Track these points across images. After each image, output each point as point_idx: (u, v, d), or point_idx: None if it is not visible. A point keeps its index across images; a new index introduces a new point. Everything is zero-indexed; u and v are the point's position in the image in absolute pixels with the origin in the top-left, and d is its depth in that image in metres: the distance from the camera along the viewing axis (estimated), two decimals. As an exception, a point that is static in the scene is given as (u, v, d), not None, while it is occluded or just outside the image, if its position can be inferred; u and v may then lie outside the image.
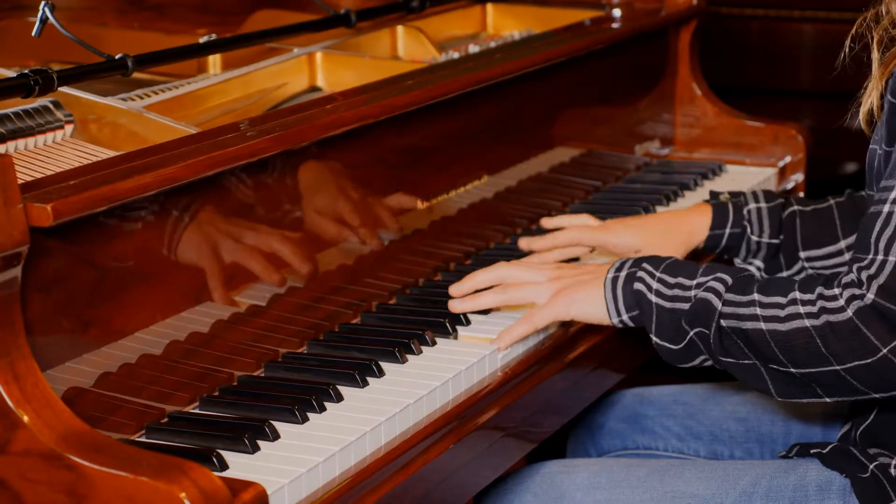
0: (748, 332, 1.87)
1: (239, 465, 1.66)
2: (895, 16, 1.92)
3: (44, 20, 2.07)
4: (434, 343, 2.03)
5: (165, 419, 1.80)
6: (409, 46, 2.72)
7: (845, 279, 1.83)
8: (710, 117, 3.07)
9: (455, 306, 2.09)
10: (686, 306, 1.93)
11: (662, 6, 2.99)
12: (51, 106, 2.03)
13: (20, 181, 1.61)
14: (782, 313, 1.85)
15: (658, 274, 1.98)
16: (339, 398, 1.84)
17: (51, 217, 1.59)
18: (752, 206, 2.33)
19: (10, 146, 1.95)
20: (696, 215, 2.35)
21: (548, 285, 2.06)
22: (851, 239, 2.26)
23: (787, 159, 2.98)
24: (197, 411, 1.84)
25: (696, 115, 3.08)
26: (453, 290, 2.10)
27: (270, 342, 1.98)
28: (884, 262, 1.79)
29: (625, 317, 2.00)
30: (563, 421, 2.14)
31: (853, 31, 1.98)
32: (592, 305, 2.02)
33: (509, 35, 2.91)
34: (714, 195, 2.41)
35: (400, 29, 2.72)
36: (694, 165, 2.97)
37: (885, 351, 1.78)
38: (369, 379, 1.91)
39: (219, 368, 1.89)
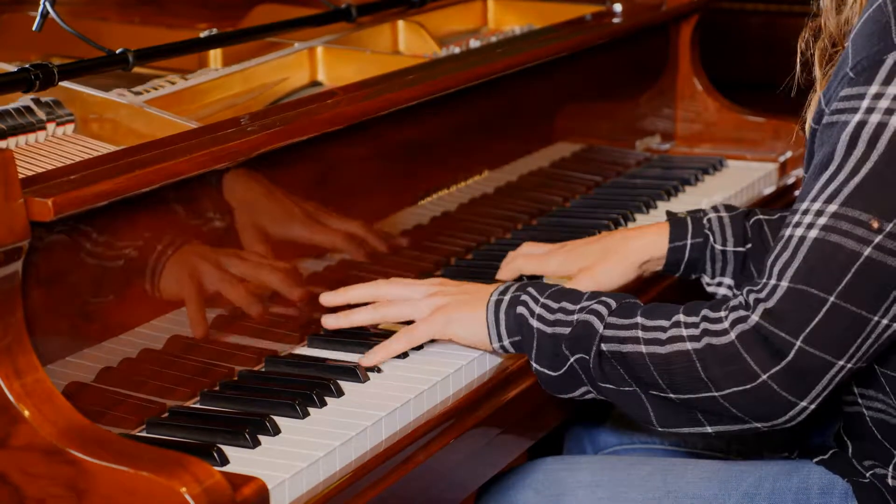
0: (627, 355, 1.80)
1: (239, 459, 1.67)
2: (832, 31, 1.92)
3: (45, 15, 2.07)
4: (434, 340, 2.03)
5: (166, 414, 1.80)
6: (409, 41, 2.71)
7: (733, 302, 1.77)
8: (711, 112, 3.07)
9: (328, 322, 2.01)
10: (567, 330, 1.86)
11: (663, 1, 2.99)
12: (51, 102, 2.02)
13: (21, 176, 1.61)
14: (664, 336, 1.78)
15: (542, 300, 1.90)
16: (340, 393, 1.84)
17: (52, 212, 1.59)
18: (713, 215, 2.22)
19: (11, 140, 1.95)
20: (650, 232, 2.22)
21: (427, 302, 1.96)
22: None
23: (788, 154, 2.98)
24: (197, 406, 1.84)
25: (696, 110, 3.08)
26: (325, 298, 2.02)
27: (271, 337, 1.98)
28: (775, 287, 1.73)
29: (506, 342, 1.92)
30: (565, 415, 2.14)
31: (799, 45, 1.97)
32: (472, 327, 1.94)
33: (510, 30, 2.91)
34: (671, 214, 2.26)
35: (401, 24, 2.72)
36: (695, 160, 2.96)
37: (764, 377, 1.72)
38: (370, 374, 1.91)
39: (219, 363, 1.89)
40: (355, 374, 1.89)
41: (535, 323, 1.89)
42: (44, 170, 1.77)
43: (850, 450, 1.96)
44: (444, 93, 2.26)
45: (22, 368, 1.56)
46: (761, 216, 2.23)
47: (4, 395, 1.54)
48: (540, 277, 2.25)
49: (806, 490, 1.94)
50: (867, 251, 1.70)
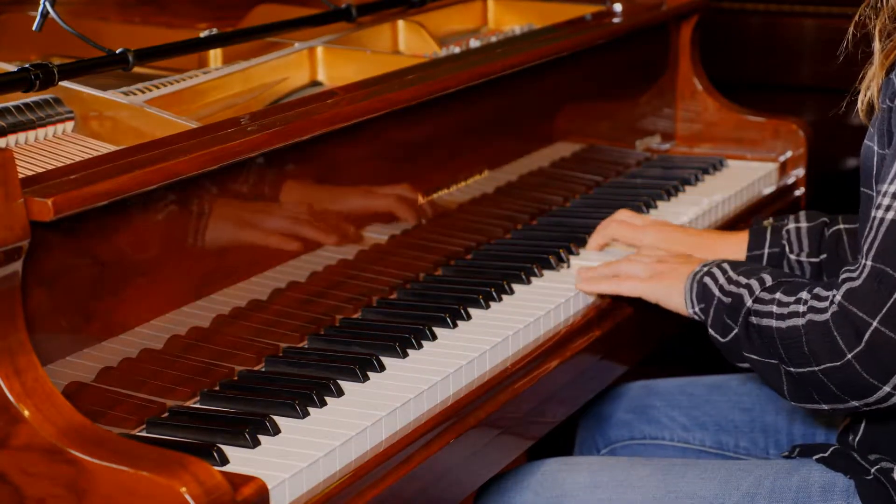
0: (763, 329, 1.89)
1: (239, 459, 1.67)
2: (895, 5, 1.91)
3: (45, 14, 2.07)
4: (435, 338, 2.03)
5: (166, 414, 1.80)
6: (410, 41, 2.71)
7: (840, 279, 1.83)
8: (711, 112, 3.07)
9: (581, 285, 2.20)
10: (730, 300, 1.96)
11: (663, 1, 2.99)
12: (51, 100, 2.02)
13: (21, 175, 1.61)
14: (786, 311, 1.87)
15: (730, 272, 2.01)
16: (340, 393, 1.84)
17: (51, 212, 1.59)
18: (792, 226, 2.29)
19: (11, 140, 1.95)
20: (733, 237, 2.33)
21: (649, 266, 2.15)
22: None
23: (788, 154, 2.98)
24: (197, 406, 1.84)
25: (696, 109, 3.08)
26: (582, 284, 2.20)
27: (271, 336, 1.98)
28: (863, 266, 1.79)
29: (696, 308, 2.05)
30: (565, 415, 2.14)
31: (854, 19, 1.96)
32: (674, 295, 2.09)
33: (510, 30, 2.91)
34: (757, 221, 2.35)
35: (401, 23, 2.72)
36: (695, 160, 2.96)
37: (849, 356, 1.78)
38: (370, 373, 1.91)
39: (219, 363, 1.89)
40: (355, 374, 1.89)
41: (716, 292, 2.00)
42: (44, 169, 1.77)
43: (857, 440, 1.96)
44: (444, 93, 2.26)
45: (22, 368, 1.56)
46: (842, 226, 2.26)
47: (4, 394, 1.54)
48: (629, 248, 2.39)
49: (807, 489, 1.94)
50: None
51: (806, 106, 3.54)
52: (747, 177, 2.86)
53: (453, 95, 2.30)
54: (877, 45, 1.92)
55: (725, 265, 2.04)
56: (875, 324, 1.75)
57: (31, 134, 1.98)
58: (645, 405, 2.35)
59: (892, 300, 1.75)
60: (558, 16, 2.91)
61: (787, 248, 2.27)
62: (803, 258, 2.27)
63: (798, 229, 2.28)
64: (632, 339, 2.25)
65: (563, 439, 2.46)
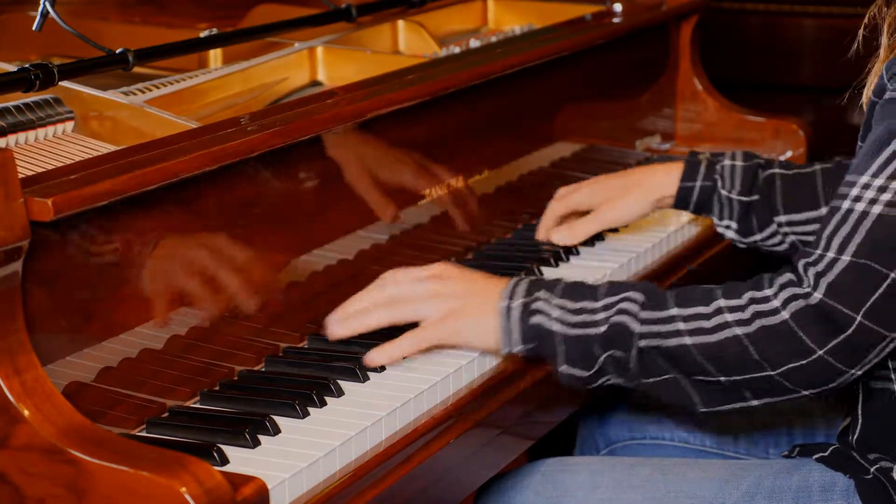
0: (672, 349, 1.81)
1: (239, 459, 1.66)
2: None
3: (44, 14, 2.07)
4: (435, 338, 2.03)
5: (166, 414, 1.80)
6: (410, 41, 2.71)
7: (781, 279, 1.79)
8: (711, 112, 3.07)
9: (335, 332, 1.94)
10: (596, 331, 1.84)
11: (663, 1, 2.99)
12: (51, 100, 2.02)
13: (21, 175, 1.61)
14: (708, 324, 1.79)
15: (556, 300, 1.87)
16: (340, 393, 1.84)
17: (52, 212, 1.59)
18: (728, 162, 2.31)
19: (11, 140, 1.95)
20: (665, 169, 2.35)
21: (434, 303, 1.92)
22: None
23: (788, 154, 2.98)
24: (197, 406, 1.84)
25: (696, 110, 3.08)
26: (334, 332, 1.95)
27: (271, 336, 1.98)
28: (835, 261, 1.75)
29: (518, 348, 1.89)
30: (565, 414, 2.14)
31: (866, 18, 1.96)
32: (483, 335, 1.91)
33: (510, 30, 2.91)
34: (693, 153, 2.38)
35: (401, 23, 2.72)
36: (695, 160, 2.96)
37: (820, 352, 1.75)
38: (370, 373, 1.91)
39: (219, 363, 1.89)
40: (355, 373, 1.89)
41: (556, 328, 1.86)
42: (44, 169, 1.77)
43: (856, 439, 1.95)
44: (444, 93, 2.26)
45: (22, 368, 1.56)
46: (777, 170, 2.29)
47: (4, 394, 1.54)
48: (572, 215, 2.41)
49: (807, 488, 1.94)
50: None
51: (806, 106, 3.54)
52: (747, 177, 2.85)
53: (453, 95, 2.30)
54: (884, 40, 1.92)
55: (541, 292, 1.88)
56: (860, 318, 1.73)
57: (31, 134, 1.98)
58: (646, 405, 2.35)
59: (877, 294, 1.73)
60: (558, 16, 2.91)
61: (718, 183, 2.30)
62: (734, 195, 2.29)
63: (733, 167, 2.30)
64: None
65: (563, 439, 2.46)
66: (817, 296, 1.75)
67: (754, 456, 2.25)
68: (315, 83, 2.48)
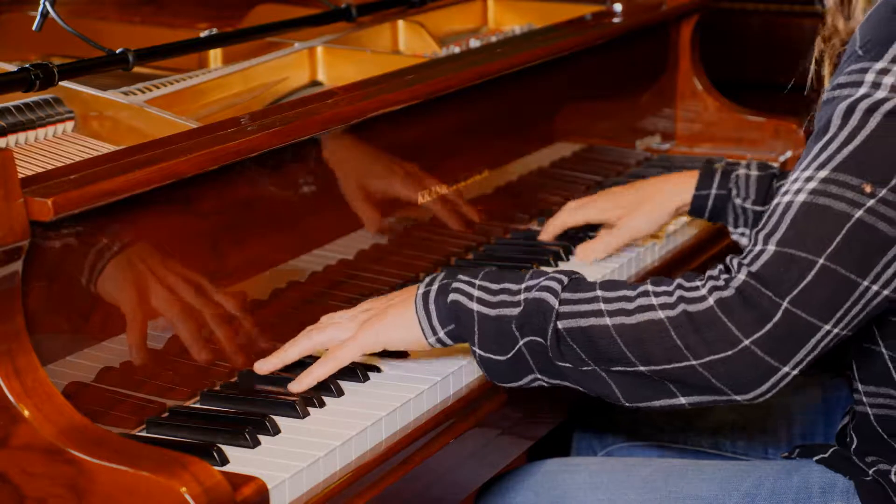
0: (588, 329, 1.73)
1: (239, 459, 1.67)
2: (843, 32, 1.92)
3: (45, 14, 2.07)
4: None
5: (166, 414, 1.80)
6: (409, 41, 2.71)
7: (711, 272, 1.74)
8: (711, 112, 3.07)
9: (261, 368, 1.89)
10: (515, 311, 1.78)
11: (663, 1, 2.99)
12: (51, 100, 2.03)
13: (21, 175, 1.61)
14: (630, 305, 1.72)
15: (478, 282, 1.82)
16: (340, 393, 1.84)
17: (51, 212, 1.59)
18: (742, 171, 2.33)
19: (11, 140, 1.95)
20: (678, 178, 2.38)
21: (354, 321, 1.89)
22: None
23: (788, 154, 2.98)
24: (197, 406, 1.84)
25: (696, 109, 3.08)
26: (260, 367, 1.90)
27: (271, 336, 1.98)
28: (760, 252, 1.69)
29: (441, 333, 1.83)
30: (564, 415, 2.14)
31: (815, 53, 1.97)
32: (403, 328, 1.84)
33: (510, 30, 2.91)
34: (709, 162, 2.40)
35: (401, 23, 2.72)
36: (695, 160, 2.96)
37: (746, 342, 1.66)
38: (370, 374, 1.91)
39: (219, 363, 1.89)
40: (356, 374, 1.89)
41: (475, 306, 1.80)
42: (44, 169, 1.77)
43: (854, 446, 1.95)
44: (444, 93, 2.26)
45: (22, 368, 1.56)
46: None
47: (4, 394, 1.54)
48: (586, 227, 2.44)
49: (807, 489, 1.94)
50: (858, 213, 1.67)
51: (806, 106, 3.53)
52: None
53: (453, 95, 2.30)
54: (827, 72, 1.94)
55: (463, 276, 1.83)
56: (785, 304, 1.66)
57: (31, 134, 1.98)
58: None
59: (806, 281, 1.66)
60: (558, 16, 2.91)
61: (733, 192, 2.32)
62: (748, 205, 2.31)
63: (748, 176, 2.32)
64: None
65: (562, 439, 2.45)
66: (741, 277, 1.68)
67: (753, 457, 2.25)
68: (315, 83, 2.48)
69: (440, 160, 2.33)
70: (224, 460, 1.65)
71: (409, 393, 1.84)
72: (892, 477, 1.88)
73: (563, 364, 1.77)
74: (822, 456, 1.97)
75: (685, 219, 2.56)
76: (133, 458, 1.50)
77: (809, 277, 1.67)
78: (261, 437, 1.71)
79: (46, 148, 1.95)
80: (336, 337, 1.89)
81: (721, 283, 1.70)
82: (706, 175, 2.35)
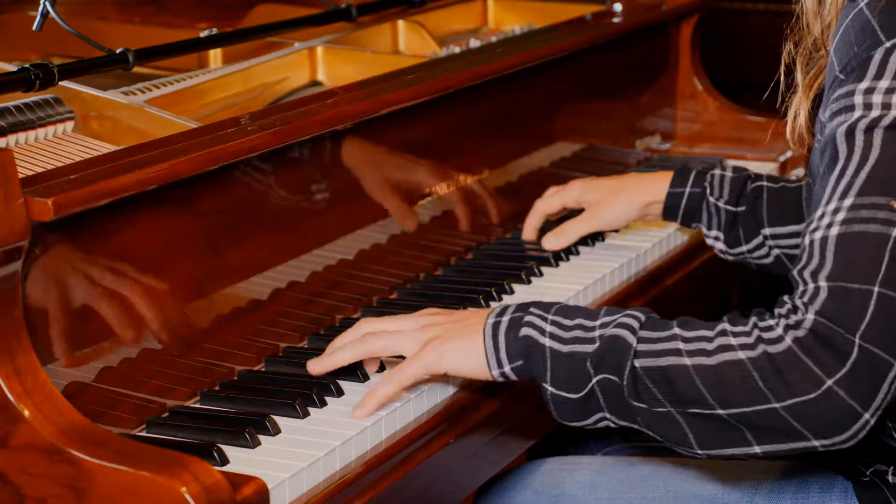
0: (667, 369, 1.66)
1: (239, 459, 1.67)
2: (815, 36, 1.92)
3: (45, 14, 2.07)
4: (435, 338, 2.02)
5: (166, 414, 1.80)
6: (409, 41, 2.71)
7: (780, 309, 1.67)
8: (711, 112, 3.07)
9: (313, 368, 1.87)
10: (590, 348, 1.71)
11: (663, 1, 2.99)
12: (51, 100, 2.03)
13: (21, 175, 1.61)
14: (710, 346, 1.66)
15: (551, 317, 1.76)
16: (340, 393, 1.84)
17: (52, 211, 1.59)
18: (717, 172, 2.33)
19: (11, 140, 1.95)
20: (659, 177, 2.37)
21: (416, 334, 1.82)
22: None
23: (788, 154, 2.98)
24: (197, 406, 1.84)
25: (696, 109, 3.08)
26: (312, 367, 1.87)
27: (271, 336, 1.98)
28: (817, 289, 1.63)
29: (507, 368, 1.77)
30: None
31: (784, 56, 1.97)
32: (468, 356, 1.78)
33: (510, 30, 2.91)
34: (683, 164, 2.42)
35: (401, 23, 2.72)
36: (695, 160, 2.96)
37: (829, 382, 1.59)
38: (370, 374, 1.90)
39: (219, 363, 1.89)
40: (355, 373, 1.89)
41: (547, 341, 1.74)
42: (44, 169, 1.77)
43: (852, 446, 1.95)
44: (444, 93, 2.26)
45: (22, 368, 1.56)
46: (764, 183, 2.30)
47: (4, 394, 1.54)
48: (563, 214, 2.46)
49: (805, 488, 1.94)
50: (895, 232, 1.63)
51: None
52: (747, 177, 2.85)
53: (453, 95, 2.30)
54: (799, 76, 1.93)
55: (534, 309, 1.77)
56: (858, 340, 1.60)
57: (31, 134, 1.98)
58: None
59: (869, 314, 1.60)
60: (558, 16, 2.91)
61: (707, 191, 2.31)
62: (721, 204, 2.29)
63: (722, 176, 2.32)
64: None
65: (563, 439, 2.45)
66: (811, 317, 1.62)
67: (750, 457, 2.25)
68: (315, 83, 2.48)
69: (440, 160, 2.33)
70: (224, 460, 1.65)
71: (409, 392, 1.84)
72: (890, 477, 1.88)
73: (638, 404, 1.70)
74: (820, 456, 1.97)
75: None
76: (133, 458, 1.50)
77: (872, 308, 1.61)
78: (261, 437, 1.71)
79: (46, 148, 1.95)
80: (395, 348, 1.83)
81: (793, 322, 1.63)
82: (680, 174, 2.35)
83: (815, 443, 1.64)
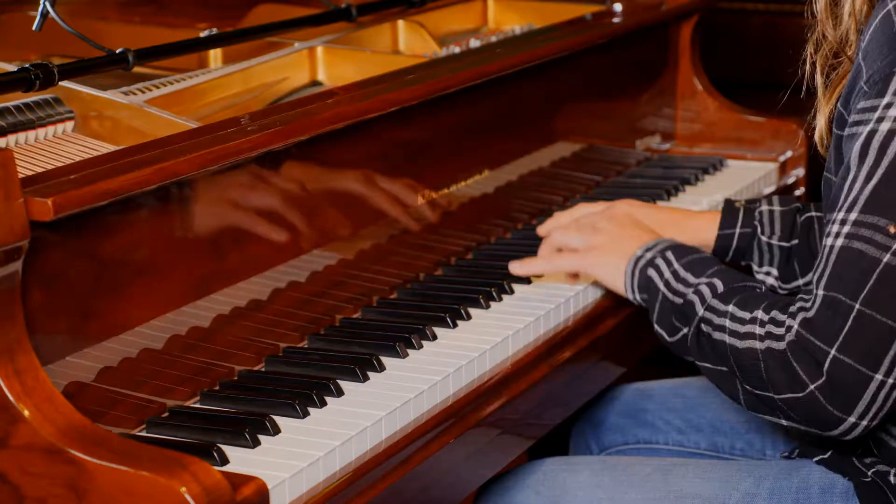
0: (716, 342, 1.85)
1: (239, 459, 1.67)
2: (833, 41, 1.92)
3: (45, 14, 2.07)
4: (435, 338, 2.03)
5: (166, 413, 1.80)
6: (409, 41, 2.71)
7: (792, 307, 1.78)
8: (711, 112, 3.07)
9: (514, 269, 2.21)
10: (680, 301, 1.95)
11: (663, 1, 2.99)
12: (51, 100, 2.02)
13: (21, 175, 1.61)
14: (742, 329, 1.82)
15: (675, 265, 2.00)
16: (340, 393, 1.84)
17: (51, 211, 1.59)
18: (765, 208, 2.28)
19: (11, 140, 1.95)
20: (705, 216, 2.31)
21: (588, 236, 2.15)
22: None
23: (788, 154, 2.98)
24: (197, 406, 1.84)
25: (696, 109, 3.08)
26: (514, 268, 2.22)
27: (271, 336, 1.98)
28: (815, 297, 1.74)
29: (637, 296, 2.06)
30: (564, 415, 2.14)
31: (804, 56, 1.97)
32: (614, 275, 2.10)
33: (510, 30, 2.91)
34: (728, 201, 2.33)
35: (401, 23, 2.72)
36: (695, 160, 2.96)
37: (811, 387, 1.72)
38: (370, 373, 1.91)
39: (219, 363, 1.89)
40: (355, 373, 1.89)
41: (661, 287, 1.99)
42: (44, 169, 1.77)
43: (854, 447, 1.95)
44: (444, 92, 2.26)
45: (22, 368, 1.56)
46: (814, 213, 2.26)
47: (4, 394, 1.54)
48: None
49: (806, 489, 1.94)
50: (886, 258, 1.70)
51: (806, 106, 3.53)
52: (747, 177, 2.86)
53: (453, 95, 2.30)
54: (819, 81, 1.94)
55: (670, 254, 2.03)
56: (833, 352, 1.70)
57: (31, 134, 1.98)
58: (638, 409, 2.35)
59: (846, 327, 1.70)
60: (558, 16, 2.90)
61: (758, 230, 2.27)
62: (774, 241, 2.26)
63: (771, 212, 2.28)
64: (631, 338, 2.26)
65: (563, 439, 2.46)
66: (795, 327, 1.74)
67: (750, 457, 2.25)
68: (315, 83, 2.48)
69: (440, 160, 2.33)
70: (224, 460, 1.65)
71: (409, 393, 1.84)
72: (892, 479, 1.88)
73: (702, 362, 1.91)
74: (821, 457, 1.97)
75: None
76: (133, 458, 1.50)
77: (850, 323, 1.70)
78: (261, 437, 1.71)
79: (46, 148, 1.95)
80: (567, 241, 2.19)
81: (789, 325, 1.76)
82: (729, 214, 2.29)
83: (814, 430, 1.77)
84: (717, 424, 2.29)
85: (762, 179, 2.87)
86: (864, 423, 1.72)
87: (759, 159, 2.99)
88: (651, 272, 2.02)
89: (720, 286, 1.91)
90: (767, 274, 2.29)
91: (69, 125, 2.03)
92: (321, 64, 2.49)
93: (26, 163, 1.87)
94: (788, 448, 2.13)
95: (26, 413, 1.54)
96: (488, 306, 2.15)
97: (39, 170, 1.80)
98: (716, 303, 1.88)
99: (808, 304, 1.75)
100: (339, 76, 2.46)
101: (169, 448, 1.55)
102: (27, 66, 1.95)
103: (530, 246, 2.42)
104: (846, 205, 1.75)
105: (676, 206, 2.67)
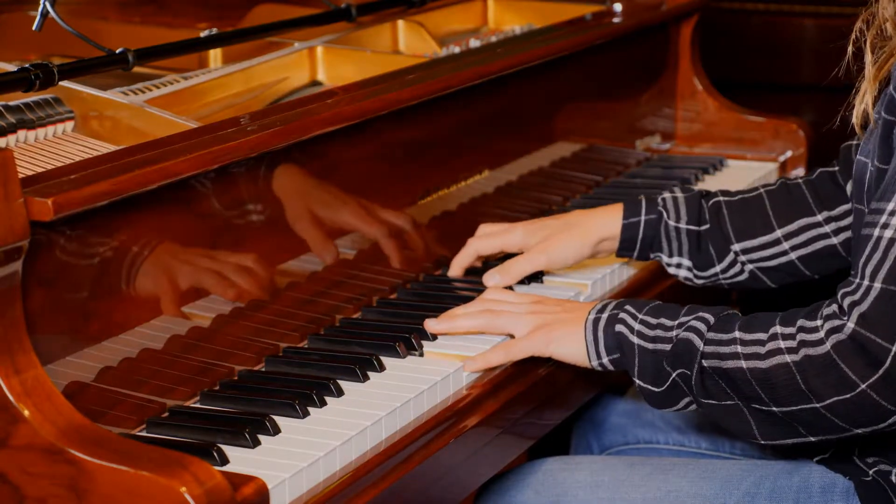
0: (728, 371, 1.80)
1: (239, 459, 1.67)
2: (884, 18, 1.90)
3: (45, 14, 2.07)
4: (435, 338, 2.03)
5: (166, 413, 1.80)
6: (410, 41, 2.71)
7: (826, 310, 1.75)
8: (711, 112, 3.07)
9: (432, 327, 2.02)
10: (668, 347, 1.87)
11: (663, 1, 2.99)
12: (51, 100, 2.02)
13: (21, 175, 1.61)
14: (763, 350, 1.78)
15: (641, 316, 1.91)
16: (340, 393, 1.84)
17: (52, 211, 1.59)
18: (668, 195, 2.23)
19: (11, 139, 1.95)
20: (607, 210, 2.24)
21: (528, 318, 1.99)
22: (789, 227, 2.19)
23: (788, 154, 2.98)
24: (197, 406, 1.84)
25: (696, 109, 3.08)
26: (430, 326, 2.03)
27: (271, 336, 1.98)
28: (869, 289, 1.71)
29: (605, 359, 1.93)
30: (564, 415, 2.14)
31: (853, 34, 1.95)
32: (571, 345, 1.95)
33: (510, 29, 2.91)
34: (629, 198, 2.27)
35: (401, 23, 2.72)
36: (695, 160, 2.96)
37: (863, 386, 1.70)
38: (370, 373, 1.91)
39: (219, 363, 1.89)
40: (355, 373, 1.89)
41: (635, 340, 1.90)
42: (44, 169, 1.77)
43: (854, 446, 1.95)
44: (444, 92, 2.26)
45: (22, 368, 1.56)
46: (721, 198, 2.23)
47: (4, 394, 1.54)
48: (501, 255, 2.28)
49: (807, 489, 1.94)
50: None
51: (806, 106, 3.54)
52: (747, 177, 2.86)
53: (453, 95, 2.30)
54: (868, 58, 1.90)
55: (629, 307, 1.93)
56: (894, 348, 1.68)
57: (31, 134, 1.98)
58: (638, 409, 2.34)
59: None
60: (558, 16, 2.91)
61: (665, 215, 2.21)
62: (682, 225, 2.20)
63: (675, 198, 2.23)
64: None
65: (563, 439, 2.46)
66: (850, 325, 1.71)
67: (750, 457, 2.25)
68: (315, 83, 2.48)
69: (440, 160, 2.33)
70: (224, 460, 1.65)
71: (409, 393, 1.84)
72: (893, 478, 1.88)
73: (706, 400, 1.84)
74: (822, 456, 1.97)
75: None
76: (133, 458, 1.50)
77: None
78: (261, 437, 1.71)
79: (46, 148, 1.95)
80: (509, 328, 2.00)
81: (837, 324, 1.73)
82: (631, 204, 2.23)
83: (858, 431, 1.76)
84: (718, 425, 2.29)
85: (762, 179, 2.87)
86: None
87: (759, 159, 2.99)
88: (620, 328, 1.91)
89: (710, 318, 1.86)
90: (679, 266, 2.23)
91: (69, 125, 2.03)
92: (321, 64, 2.49)
93: (26, 163, 1.87)
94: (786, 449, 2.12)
95: (26, 413, 1.54)
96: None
97: (39, 170, 1.80)
98: (715, 335, 1.83)
99: (859, 296, 1.71)
100: (339, 76, 2.46)
101: (169, 448, 1.55)
102: (27, 66, 1.95)
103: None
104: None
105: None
